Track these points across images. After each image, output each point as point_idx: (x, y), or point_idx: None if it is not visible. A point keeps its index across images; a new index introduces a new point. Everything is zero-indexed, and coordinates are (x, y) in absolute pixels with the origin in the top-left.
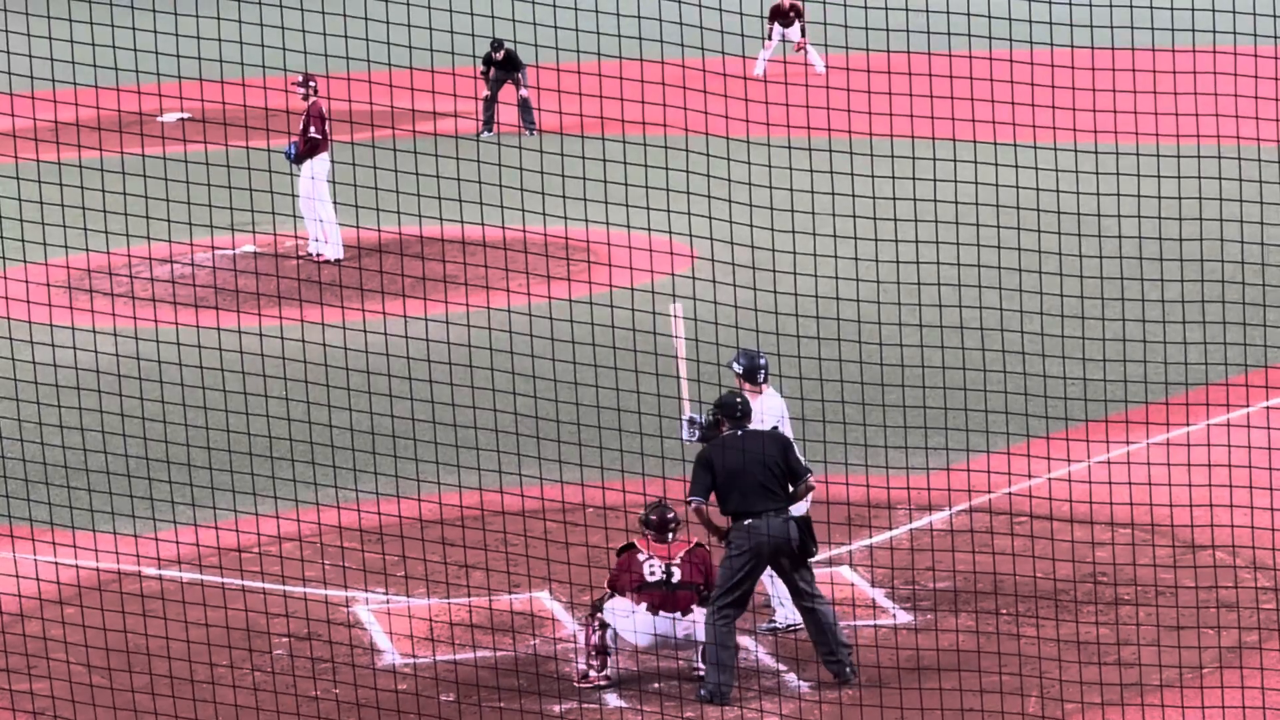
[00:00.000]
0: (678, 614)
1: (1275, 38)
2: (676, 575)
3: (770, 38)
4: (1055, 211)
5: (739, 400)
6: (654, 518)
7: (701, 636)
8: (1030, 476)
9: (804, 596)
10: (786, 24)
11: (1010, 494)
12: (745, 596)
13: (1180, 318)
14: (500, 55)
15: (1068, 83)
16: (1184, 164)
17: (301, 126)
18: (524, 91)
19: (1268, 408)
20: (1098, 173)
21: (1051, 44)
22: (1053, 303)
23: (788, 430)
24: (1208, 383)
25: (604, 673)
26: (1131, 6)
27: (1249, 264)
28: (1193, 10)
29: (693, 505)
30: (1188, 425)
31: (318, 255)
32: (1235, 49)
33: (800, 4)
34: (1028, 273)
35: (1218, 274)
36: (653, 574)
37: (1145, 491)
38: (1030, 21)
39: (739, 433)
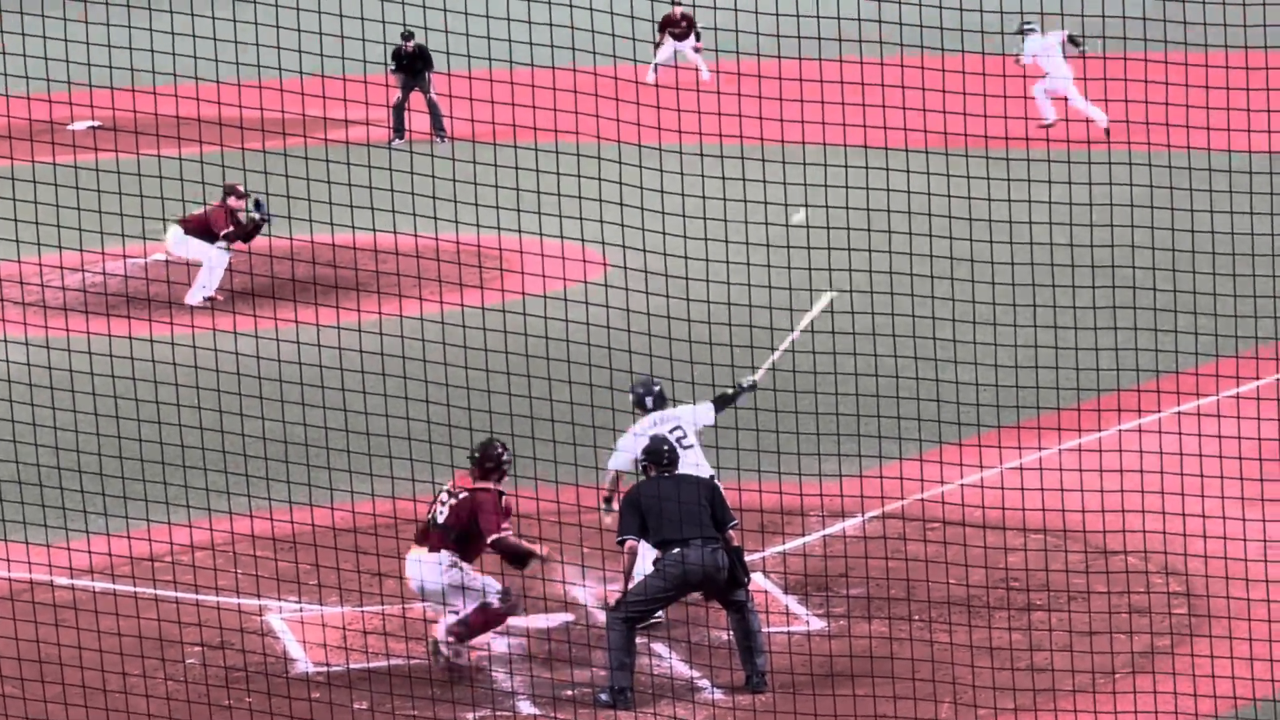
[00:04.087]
0: (425, 553)
1: (1206, 45)
2: (443, 515)
3: (662, 44)
4: (967, 218)
5: (666, 448)
6: (477, 454)
7: (430, 584)
8: (942, 482)
9: (735, 607)
10: (678, 35)
11: (922, 500)
12: (653, 613)
13: (1092, 324)
14: (410, 46)
15: (979, 89)
16: (1095, 170)
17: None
18: (433, 94)
19: (1179, 413)
20: (1009, 179)
21: (963, 50)
22: (964, 309)
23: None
24: (1119, 389)
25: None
26: (1063, 14)
27: (1160, 270)
28: (1102, 16)
29: (627, 545)
30: (1099, 431)
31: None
32: (1144, 55)
33: (691, 14)
34: (939, 279)
35: (1128, 280)
36: (436, 510)
37: (1057, 497)
38: (942, 28)
39: (663, 476)
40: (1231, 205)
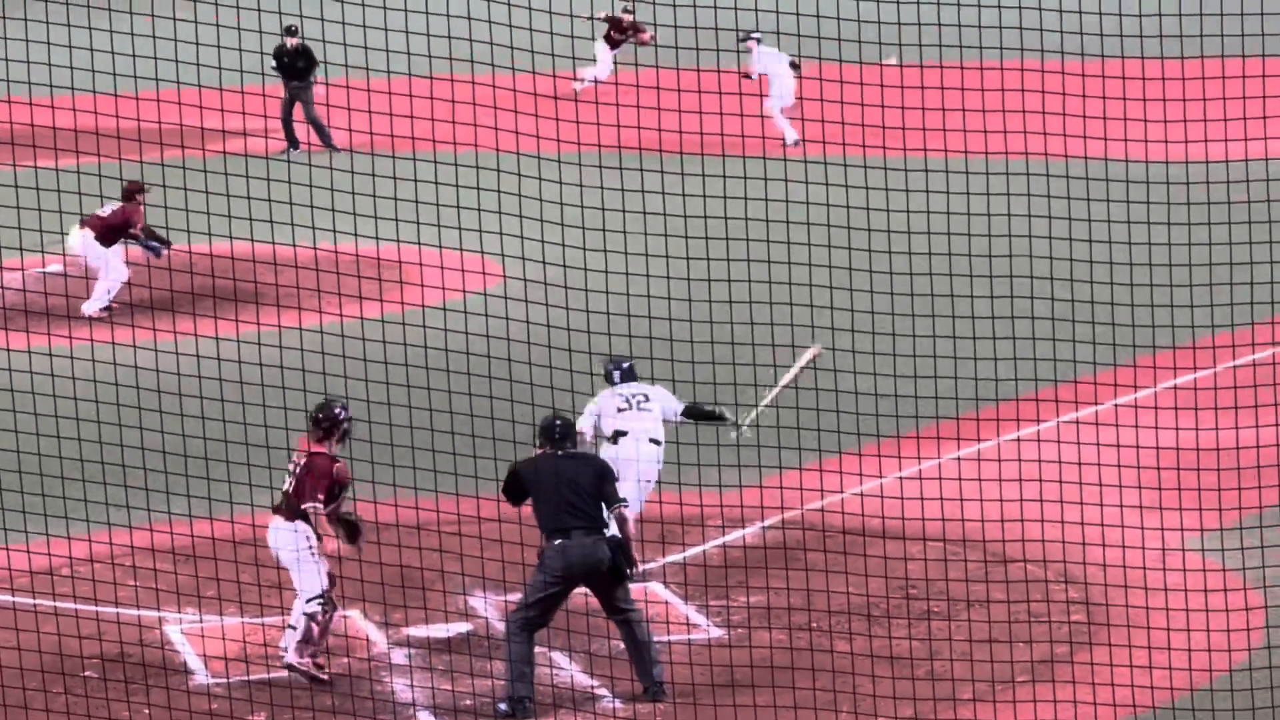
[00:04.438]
0: (281, 521)
1: (1101, 54)
2: (288, 484)
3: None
4: (865, 229)
5: (559, 423)
6: (316, 413)
7: (283, 554)
8: (842, 490)
9: (618, 612)
10: (615, 44)
11: (822, 508)
12: (547, 613)
13: (990, 333)
14: (293, 44)
15: (877, 99)
16: (993, 181)
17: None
18: (314, 111)
19: (1076, 421)
20: (907, 190)
21: (860, 61)
22: (863, 320)
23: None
24: (1017, 397)
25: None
26: (939, 25)
27: (1058, 280)
28: (1000, 28)
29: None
30: (997, 439)
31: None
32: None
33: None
34: (838, 290)
35: (1024, 290)
36: (288, 481)
37: (955, 505)
38: (839, 40)
39: (557, 454)
40: (1128, 215)
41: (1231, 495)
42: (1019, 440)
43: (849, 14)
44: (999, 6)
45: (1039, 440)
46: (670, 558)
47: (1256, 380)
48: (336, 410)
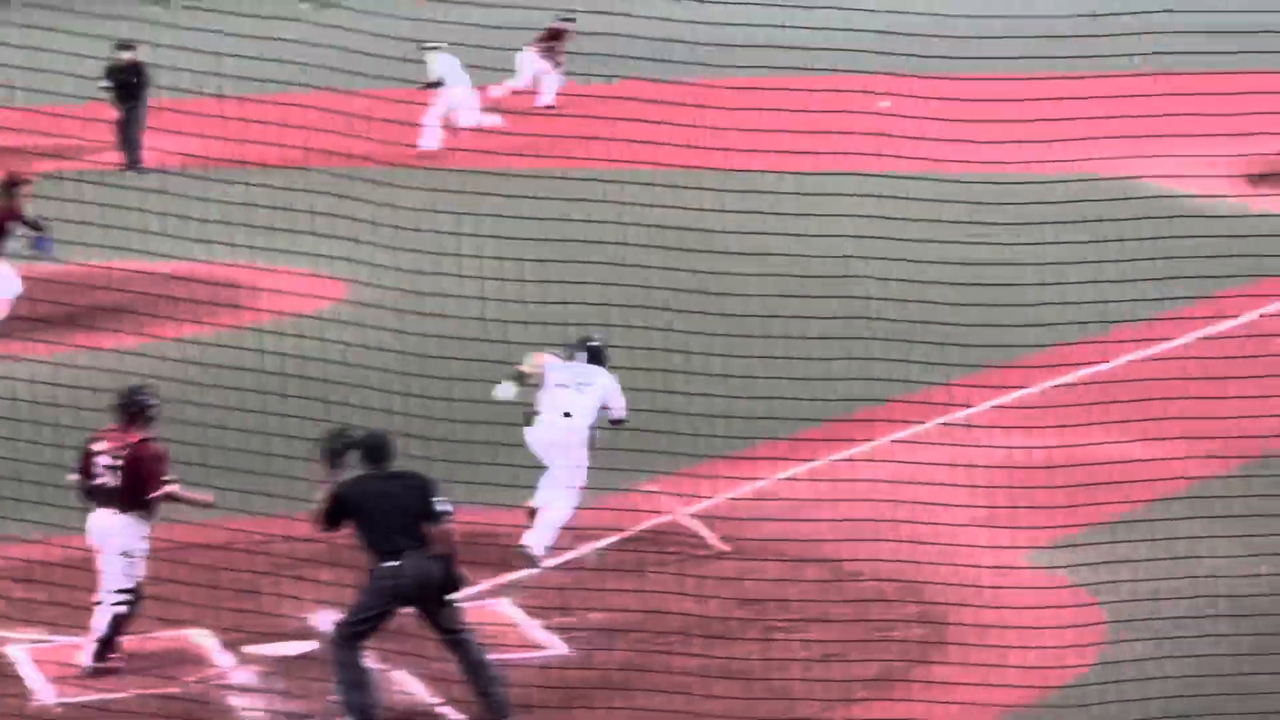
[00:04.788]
0: (109, 515)
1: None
2: (112, 479)
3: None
4: (704, 250)
5: (381, 442)
6: (123, 400)
7: (112, 548)
8: (685, 505)
9: (449, 633)
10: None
11: (665, 523)
12: (373, 631)
13: (829, 347)
14: (126, 58)
15: (705, 114)
16: (816, 198)
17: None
18: (137, 130)
19: (916, 434)
20: (748, 206)
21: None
22: (699, 341)
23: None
24: (858, 410)
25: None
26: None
27: (894, 298)
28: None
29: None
30: (840, 453)
31: None
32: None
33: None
34: (674, 311)
35: (862, 304)
36: (99, 474)
37: (797, 519)
38: (669, 61)
39: (379, 474)
40: (973, 227)
41: (1066, 509)
42: (851, 460)
43: (671, 32)
44: (843, 28)
45: (871, 460)
46: (516, 574)
47: (1094, 396)
48: (142, 396)
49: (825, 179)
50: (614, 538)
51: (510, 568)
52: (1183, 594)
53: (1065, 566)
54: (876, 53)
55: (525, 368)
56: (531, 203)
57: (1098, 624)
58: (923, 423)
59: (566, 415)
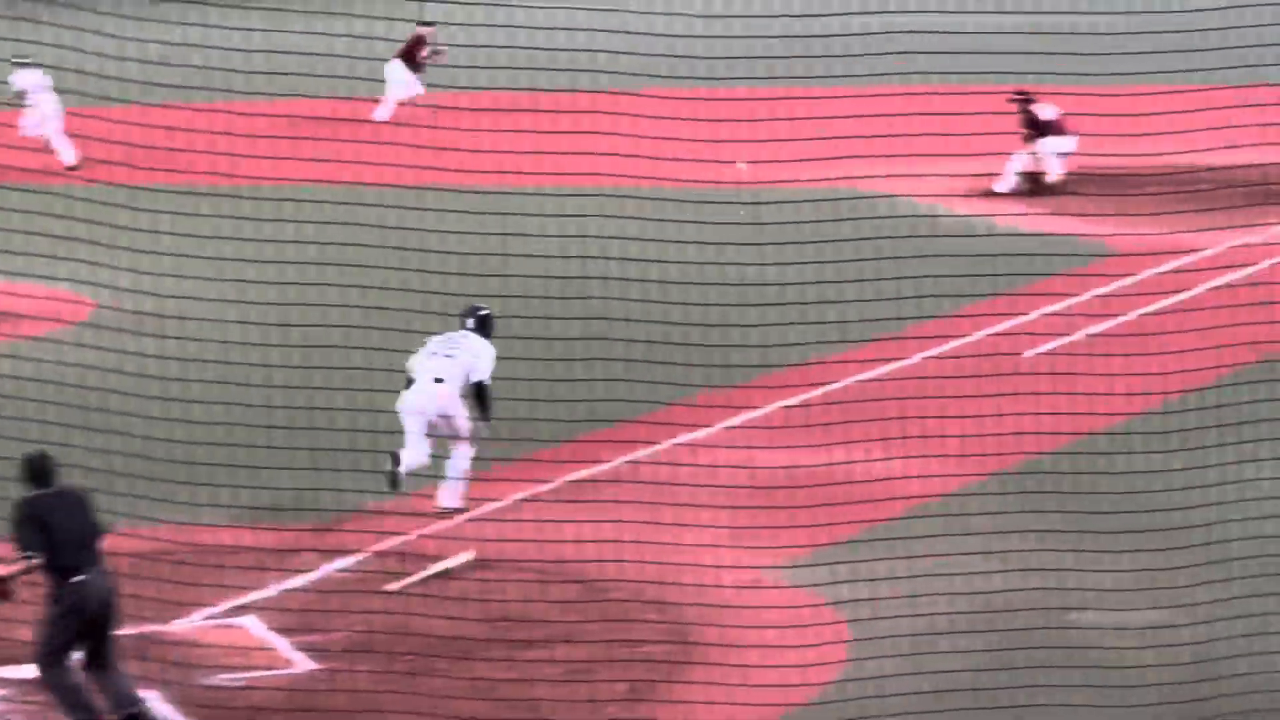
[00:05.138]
0: None
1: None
2: None
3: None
4: (464, 253)
5: (44, 462)
6: None
7: None
8: (438, 519)
9: (102, 661)
10: (418, 65)
11: (422, 537)
12: (70, 651)
13: (567, 366)
14: None
15: (453, 124)
16: (578, 204)
17: None
18: None
19: (660, 451)
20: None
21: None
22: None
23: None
24: (605, 424)
25: None
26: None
27: (636, 319)
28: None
29: (34, 560)
30: (592, 465)
31: None
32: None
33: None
34: (429, 314)
35: (606, 326)
36: None
37: (549, 533)
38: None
39: (52, 492)
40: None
41: (811, 526)
42: (595, 480)
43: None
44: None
45: (617, 480)
46: (265, 591)
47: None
48: None
49: (565, 198)
50: (361, 555)
51: (255, 586)
52: (925, 608)
53: (811, 585)
54: (610, 72)
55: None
56: (271, 222)
57: (843, 640)
58: (658, 442)
59: (438, 380)
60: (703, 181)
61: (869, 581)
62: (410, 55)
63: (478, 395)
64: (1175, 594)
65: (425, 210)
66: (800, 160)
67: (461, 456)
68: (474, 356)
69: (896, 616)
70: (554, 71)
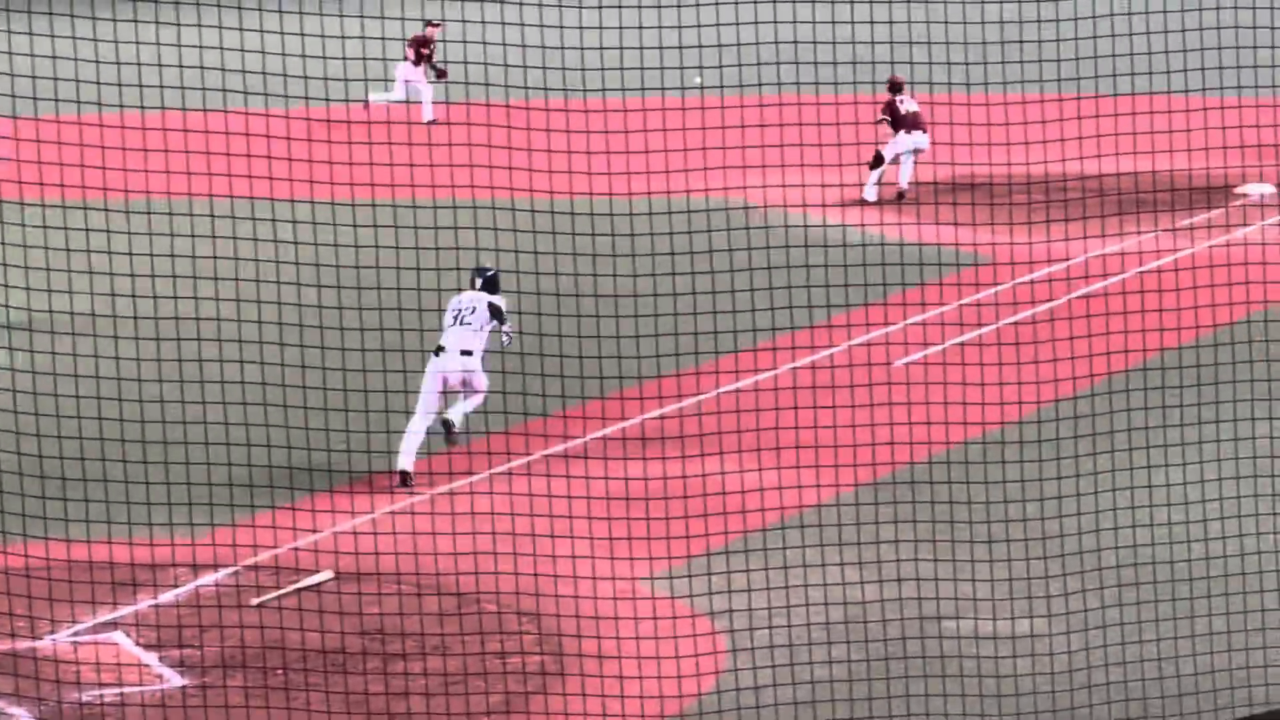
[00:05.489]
0: None
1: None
2: None
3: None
4: (335, 264)
5: None
6: None
7: None
8: (315, 531)
9: None
10: (420, 63)
11: (295, 549)
12: None
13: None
14: None
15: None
16: (459, 215)
17: None
18: None
19: (532, 462)
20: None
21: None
22: (295, 375)
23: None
24: (488, 431)
25: None
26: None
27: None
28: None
29: None
30: (470, 474)
31: None
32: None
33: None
34: (305, 325)
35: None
36: None
37: (421, 545)
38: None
39: None
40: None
41: (683, 537)
42: (459, 493)
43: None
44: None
45: (490, 492)
46: (134, 605)
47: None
48: None
49: (430, 210)
50: (231, 568)
51: (125, 601)
52: (798, 618)
53: (685, 595)
54: (478, 84)
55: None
56: (141, 236)
57: (717, 650)
58: (529, 453)
59: (466, 353)
60: (575, 193)
61: (743, 591)
62: (418, 54)
63: (493, 313)
64: (1046, 603)
65: (292, 222)
66: (671, 171)
67: (471, 404)
68: (484, 313)
69: (770, 626)
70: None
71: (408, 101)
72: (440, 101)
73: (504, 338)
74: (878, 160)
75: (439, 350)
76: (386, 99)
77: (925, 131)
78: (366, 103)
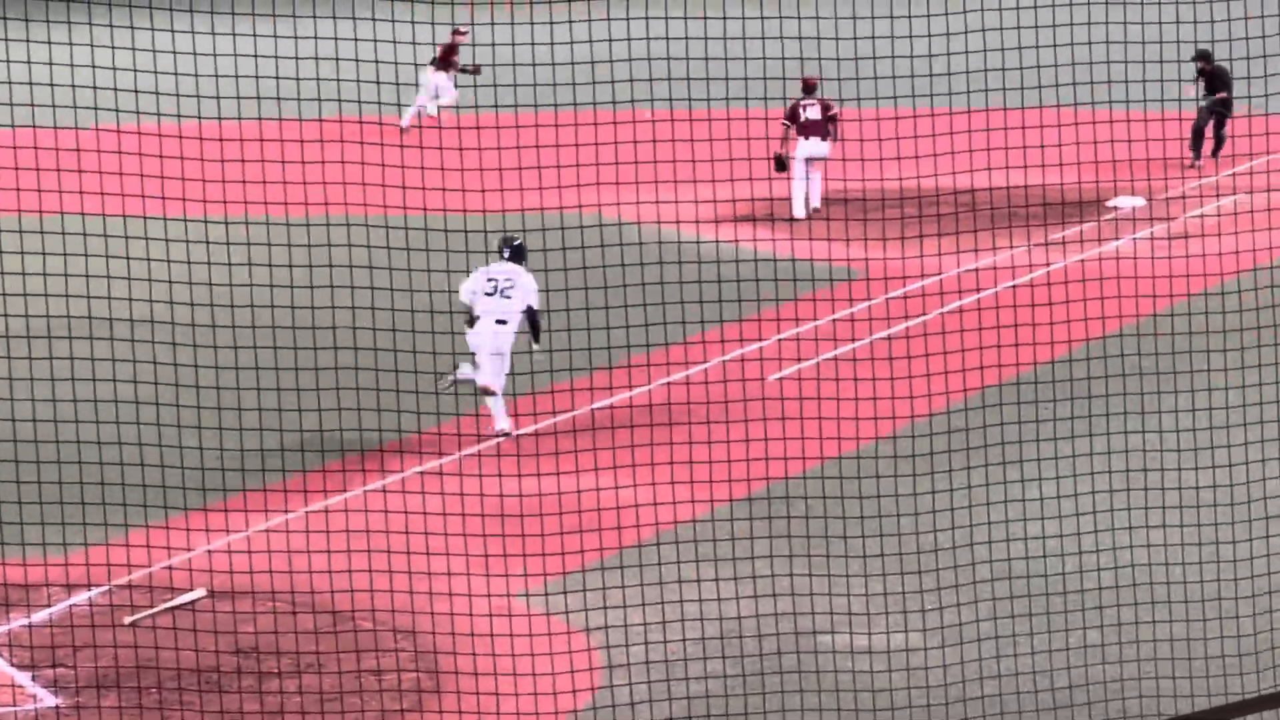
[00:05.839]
0: None
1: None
2: None
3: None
4: (205, 282)
5: None
6: None
7: None
8: (188, 549)
9: None
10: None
11: (168, 568)
12: None
13: (315, 385)
14: None
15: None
16: (312, 234)
17: None
18: None
19: (421, 473)
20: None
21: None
22: (206, 374)
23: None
24: (363, 449)
25: None
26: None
27: (368, 347)
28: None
29: None
30: (344, 492)
31: None
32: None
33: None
34: (178, 344)
35: (368, 341)
36: None
37: (295, 562)
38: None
39: None
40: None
41: (559, 554)
42: (334, 510)
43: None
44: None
45: (364, 510)
46: (9, 625)
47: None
48: None
49: (305, 228)
50: (104, 587)
51: (9, 615)
52: (674, 633)
53: (560, 611)
54: (352, 101)
55: (463, 301)
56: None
57: (594, 666)
58: (401, 470)
59: (500, 322)
60: (448, 209)
61: (618, 607)
62: (446, 60)
63: (531, 322)
64: (920, 616)
65: (164, 240)
66: (546, 187)
67: (499, 383)
68: (524, 289)
69: (646, 642)
70: (300, 101)
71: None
72: (453, 107)
73: (533, 345)
74: (780, 164)
75: (473, 321)
76: (425, 108)
77: (825, 139)
78: (405, 128)
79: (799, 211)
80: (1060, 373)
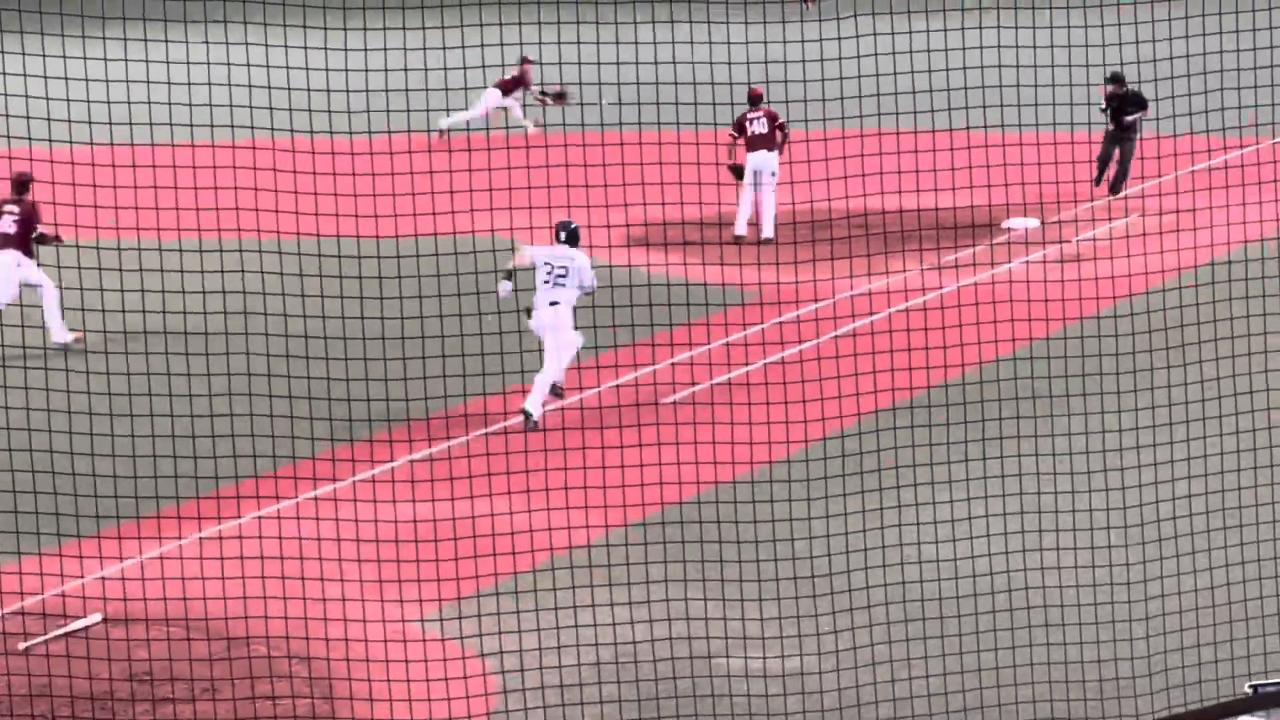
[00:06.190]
0: None
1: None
2: None
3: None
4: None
5: None
6: None
7: None
8: (82, 575)
9: None
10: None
11: (62, 595)
12: None
13: (225, 410)
14: None
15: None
16: (205, 259)
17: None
18: None
19: (315, 498)
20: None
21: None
22: (98, 401)
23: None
24: (256, 475)
25: None
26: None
27: (267, 372)
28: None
29: None
30: (238, 518)
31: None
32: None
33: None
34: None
35: (262, 367)
36: None
37: (190, 588)
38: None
39: None
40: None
41: (454, 579)
42: (228, 536)
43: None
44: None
45: (279, 518)
46: None
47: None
48: None
49: (206, 253)
50: (11, 607)
51: None
52: (570, 658)
53: (456, 636)
54: (242, 127)
55: (512, 264)
56: None
57: (490, 692)
58: (291, 496)
59: (553, 304)
60: (341, 234)
61: (513, 632)
62: (508, 87)
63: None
64: (816, 640)
65: (64, 267)
66: (438, 213)
67: (554, 366)
68: (579, 273)
69: (541, 666)
70: (187, 127)
71: (487, 128)
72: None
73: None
74: (738, 173)
75: (529, 311)
76: (461, 120)
77: (772, 150)
78: (442, 131)
79: (740, 229)
80: (954, 395)
